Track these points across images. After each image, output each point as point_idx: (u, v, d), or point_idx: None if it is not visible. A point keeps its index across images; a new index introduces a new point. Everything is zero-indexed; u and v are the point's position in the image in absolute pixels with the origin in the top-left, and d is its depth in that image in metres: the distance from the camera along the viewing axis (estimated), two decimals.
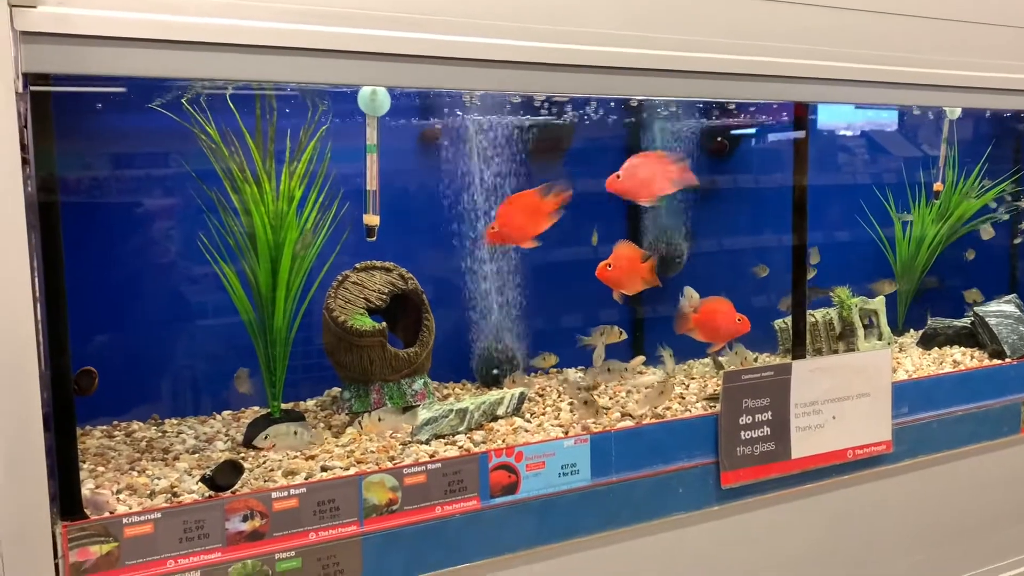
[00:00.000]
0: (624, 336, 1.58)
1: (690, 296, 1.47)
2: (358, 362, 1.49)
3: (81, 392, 1.09)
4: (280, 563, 1.12)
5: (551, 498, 1.31)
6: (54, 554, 0.99)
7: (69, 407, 1.03)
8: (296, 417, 1.42)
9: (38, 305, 0.98)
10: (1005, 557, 1.83)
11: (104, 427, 1.44)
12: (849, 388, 1.57)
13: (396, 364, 1.51)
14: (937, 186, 1.95)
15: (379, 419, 1.32)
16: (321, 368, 1.56)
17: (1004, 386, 1.79)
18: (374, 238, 1.33)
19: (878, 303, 1.90)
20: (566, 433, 1.40)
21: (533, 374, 1.77)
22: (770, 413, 1.49)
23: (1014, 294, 2.00)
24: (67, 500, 1.04)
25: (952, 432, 1.71)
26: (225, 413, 1.52)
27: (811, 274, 1.82)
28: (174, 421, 1.49)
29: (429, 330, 1.56)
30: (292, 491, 1.13)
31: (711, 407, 1.50)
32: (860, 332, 1.86)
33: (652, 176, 1.43)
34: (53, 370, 1.01)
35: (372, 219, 1.29)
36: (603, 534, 1.36)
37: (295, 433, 1.25)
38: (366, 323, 1.49)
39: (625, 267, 1.41)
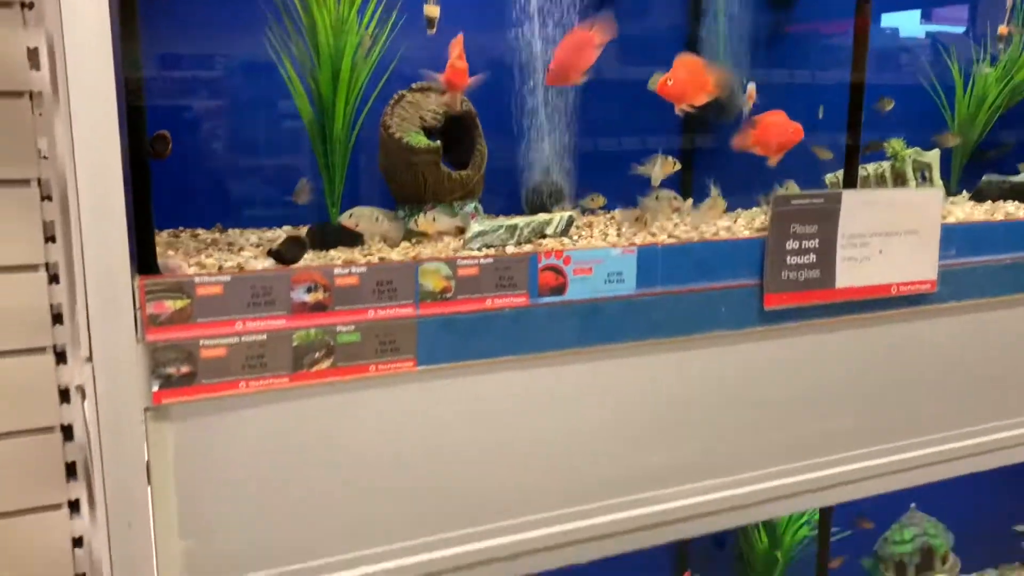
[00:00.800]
0: (678, 166, 1.60)
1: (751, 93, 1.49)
2: (412, 181, 1.53)
3: (156, 156, 1.15)
4: (340, 336, 1.18)
5: (596, 303, 1.36)
6: (133, 306, 1.06)
7: (145, 170, 1.09)
8: (353, 233, 1.47)
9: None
10: None
11: (169, 230, 1.51)
12: (898, 224, 1.57)
13: (449, 184, 1.55)
14: (1002, 29, 1.89)
15: (433, 219, 1.37)
16: (378, 189, 1.60)
17: None
18: (434, 30, 1.36)
19: (932, 156, 1.88)
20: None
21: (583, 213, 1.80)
22: (817, 241, 1.50)
23: None
24: (143, 259, 1.10)
25: (998, 279, 1.71)
26: (286, 227, 1.58)
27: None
28: (237, 231, 1.55)
29: (482, 154, 1.59)
30: (354, 269, 1.18)
31: (759, 231, 1.52)
32: (912, 185, 1.85)
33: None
34: (130, 132, 1.07)
35: (432, 9, 1.31)
36: (645, 342, 1.41)
37: (376, 219, 1.30)
38: (421, 141, 1.52)
39: (686, 79, 1.42)
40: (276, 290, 1.14)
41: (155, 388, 1.08)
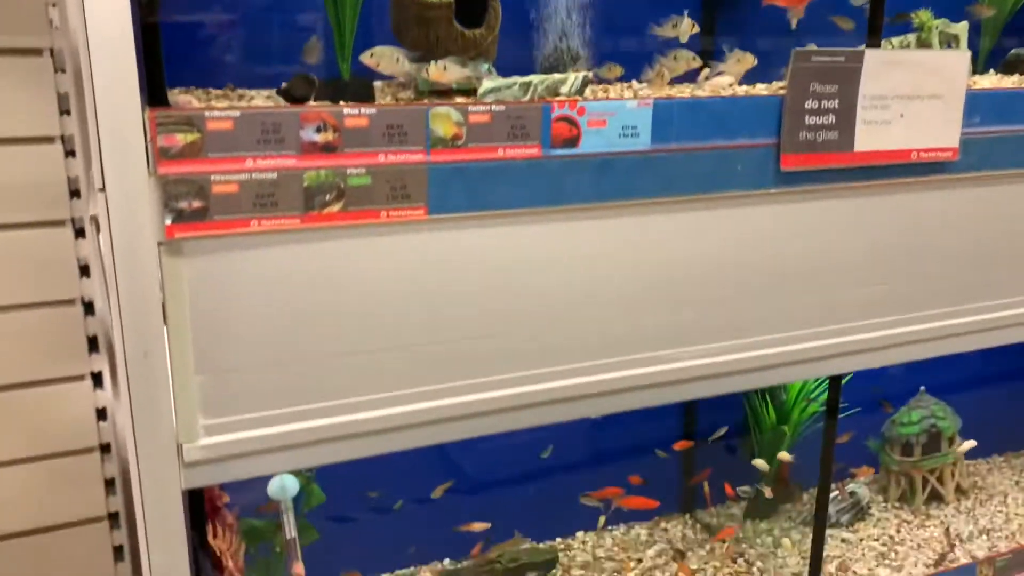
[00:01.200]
0: (696, 29, 1.55)
1: None
2: (424, 38, 1.50)
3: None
4: (351, 178, 1.18)
5: (610, 158, 1.34)
6: (144, 139, 1.06)
7: (154, 4, 1.07)
8: (365, 84, 1.45)
9: None
10: None
11: (180, 88, 1.50)
12: (921, 88, 1.54)
13: (462, 43, 1.52)
14: None
15: (444, 68, 1.34)
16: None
17: None
18: None
19: (960, 28, 1.82)
20: None
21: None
22: (837, 101, 1.47)
23: None
24: (153, 93, 1.10)
25: (1022, 151, 1.68)
26: None
27: None
28: (251, 92, 1.54)
29: (496, 13, 1.56)
30: (363, 110, 1.17)
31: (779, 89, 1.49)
32: None
33: None
34: None
35: None
36: (659, 200, 1.40)
37: (397, 59, 1.29)
38: None
39: None
40: (285, 128, 1.13)
41: (168, 222, 1.08)
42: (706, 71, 1.64)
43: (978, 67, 1.99)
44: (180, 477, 1.18)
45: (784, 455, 2.00)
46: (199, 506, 1.43)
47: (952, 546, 2.03)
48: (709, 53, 1.85)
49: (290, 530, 1.34)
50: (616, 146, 1.34)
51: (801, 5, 1.49)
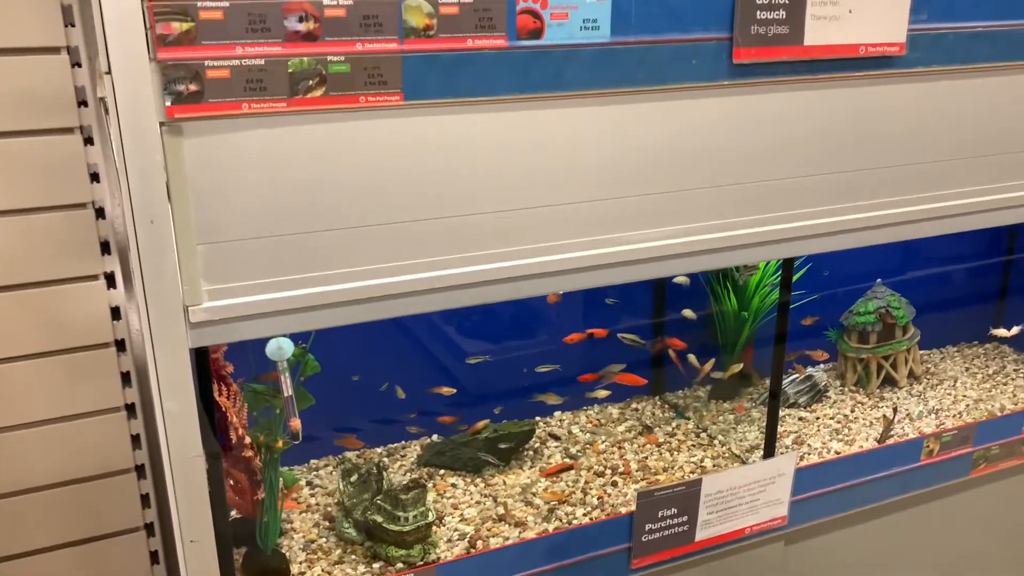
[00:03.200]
0: None
1: None
2: None
3: None
4: (332, 65, 1.30)
5: (573, 49, 1.46)
6: (144, 26, 1.18)
7: None
8: None
9: None
10: (1007, 178, 1.95)
11: None
12: None
13: None
14: None
15: None
16: None
17: None
18: None
19: None
20: None
21: None
22: None
23: None
24: None
25: (968, 47, 1.78)
26: None
27: None
28: None
29: None
30: (341, 1, 1.28)
31: None
32: None
33: None
34: None
35: None
36: (619, 90, 1.52)
37: None
38: None
39: None
40: (271, 18, 1.25)
41: (168, 103, 1.21)
42: None
43: None
44: (187, 336, 1.33)
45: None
46: (206, 373, 1.59)
47: (892, 422, 2.20)
48: None
49: (287, 389, 1.51)
50: (577, 38, 1.46)
51: None
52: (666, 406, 2.33)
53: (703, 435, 2.19)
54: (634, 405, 2.33)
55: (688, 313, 2.21)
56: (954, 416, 2.28)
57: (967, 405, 2.33)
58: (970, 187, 1.92)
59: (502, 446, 2.04)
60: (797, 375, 2.32)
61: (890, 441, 2.16)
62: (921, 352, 2.50)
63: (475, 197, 1.47)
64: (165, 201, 1.25)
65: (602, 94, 1.51)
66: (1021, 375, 2.46)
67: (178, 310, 1.31)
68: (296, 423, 1.50)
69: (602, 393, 2.26)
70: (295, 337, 1.59)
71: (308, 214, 1.37)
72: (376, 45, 1.32)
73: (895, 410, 2.26)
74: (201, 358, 1.54)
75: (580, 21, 1.45)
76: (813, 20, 1.61)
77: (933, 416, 2.28)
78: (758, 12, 1.56)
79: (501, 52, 1.41)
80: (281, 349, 1.47)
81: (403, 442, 2.18)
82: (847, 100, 1.72)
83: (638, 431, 2.20)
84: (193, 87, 1.22)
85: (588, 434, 2.20)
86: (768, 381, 2.27)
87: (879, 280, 2.36)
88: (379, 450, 2.15)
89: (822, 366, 2.42)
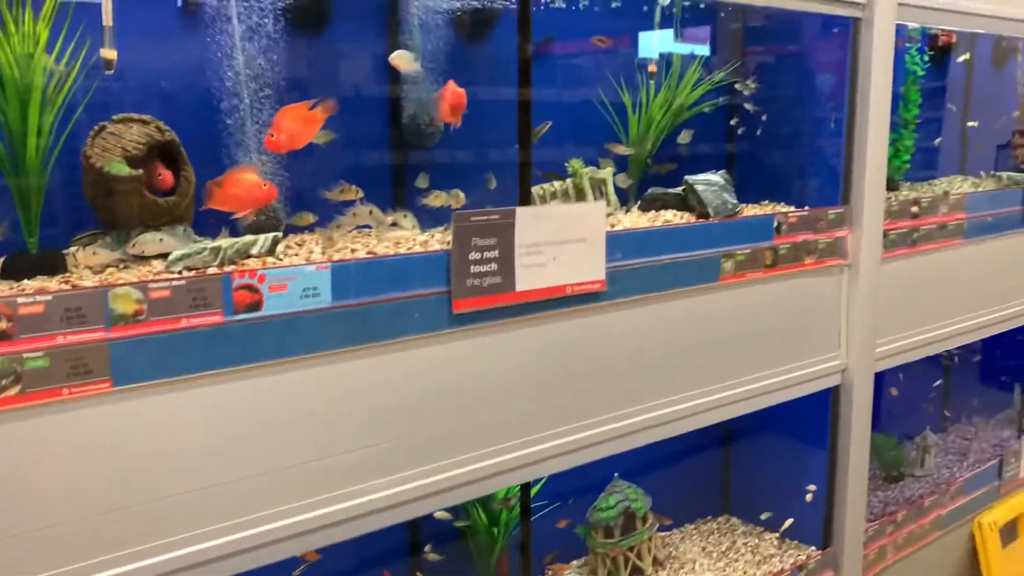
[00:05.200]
0: (361, 194, 1.75)
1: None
2: (118, 208, 1.59)
3: None
4: (28, 362, 1.23)
5: (293, 317, 1.49)
6: None
7: None
8: (55, 256, 1.50)
9: None
10: (706, 384, 2.19)
11: None
12: (568, 234, 1.83)
13: (156, 211, 1.62)
14: (652, 67, 2.24)
15: (93, 253, 1.44)
16: (86, 216, 1.63)
17: (708, 241, 2.13)
18: (112, 71, 1.43)
19: (606, 173, 2.18)
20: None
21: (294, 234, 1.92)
22: (497, 251, 1.72)
23: (723, 169, 2.34)
24: None
25: (660, 277, 2.03)
26: None
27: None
28: None
29: (188, 180, 1.67)
30: (38, 298, 1.24)
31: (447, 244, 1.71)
32: (590, 198, 2.14)
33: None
34: None
35: (109, 53, 1.39)
36: (344, 350, 1.56)
37: (160, 240, 1.48)
38: (123, 170, 1.58)
39: (290, 128, 1.60)
40: None
41: None
42: (392, 216, 1.84)
43: (629, 201, 2.38)
44: None
45: None
46: None
47: None
48: (404, 198, 2.08)
49: None
50: (298, 306, 1.49)
51: (247, 211, 1.68)
52: None
53: None
54: None
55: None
56: None
57: None
58: (689, 391, 2.14)
59: None
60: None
61: None
62: (662, 534, 2.66)
63: (196, 473, 1.42)
64: None
65: (327, 355, 1.54)
66: (748, 548, 2.69)
67: None
68: None
69: None
70: None
71: (16, 513, 1.25)
72: (80, 336, 1.28)
73: None
74: None
75: (300, 290, 1.50)
76: (523, 269, 1.77)
77: None
78: (472, 267, 1.69)
79: (218, 328, 1.41)
80: None
81: None
82: (560, 333, 1.88)
83: None
84: None
85: None
86: None
87: (616, 475, 2.51)
88: None
89: (567, 573, 2.52)
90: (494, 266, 1.73)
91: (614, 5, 2.37)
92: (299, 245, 1.78)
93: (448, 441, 1.73)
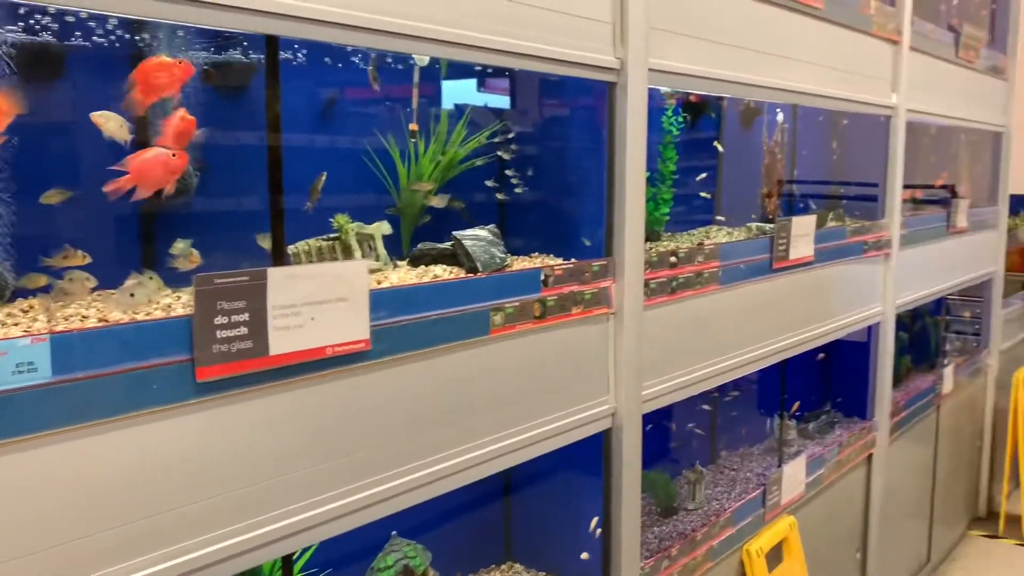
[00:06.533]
0: (88, 258, 1.63)
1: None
2: None
3: None
4: None
5: (5, 396, 1.34)
6: None
7: None
8: None
9: None
10: (482, 436, 2.20)
11: None
12: (327, 294, 1.79)
13: None
14: (412, 126, 2.26)
15: None
16: None
17: (477, 295, 2.16)
18: None
19: (374, 229, 2.17)
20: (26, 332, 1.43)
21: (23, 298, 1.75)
22: (247, 314, 1.65)
23: (493, 224, 2.39)
24: None
25: (430, 333, 2.03)
26: None
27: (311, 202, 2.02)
28: None
29: None
30: None
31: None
32: (358, 255, 2.11)
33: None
34: None
35: None
36: (71, 428, 1.42)
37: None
38: None
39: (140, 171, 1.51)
40: None
41: None
42: (134, 279, 1.72)
43: (403, 254, 2.37)
44: None
45: None
46: None
47: None
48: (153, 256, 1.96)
49: None
50: (11, 384, 1.35)
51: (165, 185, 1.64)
52: None
53: None
54: None
55: None
56: None
57: None
58: (465, 445, 2.14)
59: None
60: None
61: None
62: None
63: None
64: None
65: (49, 435, 1.40)
66: None
67: None
68: None
69: None
70: None
71: None
72: None
73: None
74: None
75: (13, 366, 1.35)
76: (277, 331, 1.70)
77: None
78: (218, 332, 1.60)
79: None
80: None
81: None
82: (322, 395, 1.82)
83: None
84: None
85: None
86: None
87: (394, 533, 2.46)
88: None
89: None
90: (244, 330, 1.65)
91: (387, 61, 2.38)
92: (24, 313, 1.62)
93: (194, 518, 1.62)
